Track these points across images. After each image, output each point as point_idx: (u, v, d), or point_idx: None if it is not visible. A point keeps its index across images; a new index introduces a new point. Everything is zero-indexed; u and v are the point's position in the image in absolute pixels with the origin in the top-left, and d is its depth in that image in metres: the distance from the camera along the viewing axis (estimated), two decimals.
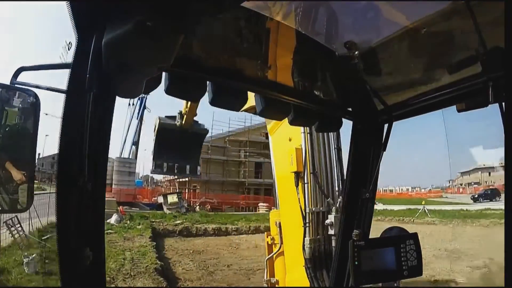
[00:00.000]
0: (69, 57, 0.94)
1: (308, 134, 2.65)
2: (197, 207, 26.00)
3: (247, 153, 31.83)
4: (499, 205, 23.48)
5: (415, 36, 1.33)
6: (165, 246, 14.45)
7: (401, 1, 1.22)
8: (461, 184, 49.14)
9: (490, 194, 30.65)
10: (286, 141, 2.74)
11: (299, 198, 2.52)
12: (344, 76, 1.65)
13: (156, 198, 27.47)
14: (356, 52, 1.44)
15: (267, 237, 3.16)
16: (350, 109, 1.83)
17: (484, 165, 45.02)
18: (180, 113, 5.62)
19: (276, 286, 3.07)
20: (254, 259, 12.96)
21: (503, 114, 1.12)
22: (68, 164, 0.93)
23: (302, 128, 2.69)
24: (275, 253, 2.96)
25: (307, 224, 2.42)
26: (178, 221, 18.46)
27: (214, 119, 29.27)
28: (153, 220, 18.19)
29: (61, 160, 0.92)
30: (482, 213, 20.85)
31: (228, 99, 1.45)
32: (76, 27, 0.90)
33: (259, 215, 24.01)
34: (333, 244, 2.51)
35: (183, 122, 5.58)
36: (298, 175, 2.56)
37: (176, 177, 31.85)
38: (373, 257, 1.48)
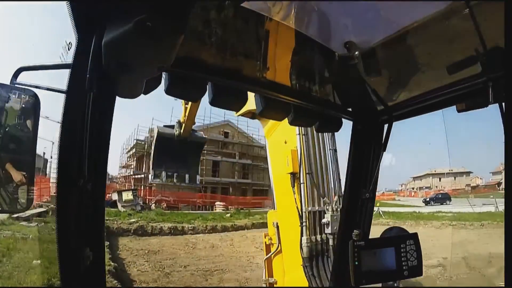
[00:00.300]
0: (69, 57, 0.94)
1: (303, 136, 2.69)
2: (153, 205, 24.69)
3: (205, 151, 31.49)
4: (449, 208, 25.46)
5: (415, 36, 1.33)
6: (119, 245, 13.87)
7: (401, 1, 1.22)
8: (413, 188, 51.43)
9: (440, 198, 32.58)
10: (282, 143, 2.79)
11: (295, 199, 2.54)
12: (344, 76, 1.65)
13: (110, 195, 26.44)
14: (356, 52, 1.43)
15: (265, 237, 3.19)
16: (350, 109, 1.83)
17: (435, 171, 47.17)
18: (179, 122, 5.67)
19: (275, 286, 3.09)
20: (211, 259, 12.72)
21: (503, 114, 1.12)
22: (68, 164, 0.93)
23: (297, 129, 2.70)
24: (273, 253, 2.97)
25: (304, 224, 2.45)
26: (133, 220, 17.58)
27: (172, 115, 28.93)
28: (106, 218, 16.89)
29: (61, 160, 0.92)
30: (433, 215, 21.55)
31: (228, 99, 1.45)
32: (76, 27, 0.90)
33: (216, 214, 23.48)
34: (330, 243, 2.55)
35: (182, 131, 5.61)
36: (294, 176, 2.63)
37: (132, 173, 31.18)
38: (373, 257, 1.48)
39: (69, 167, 0.92)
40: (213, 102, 1.42)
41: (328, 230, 2.50)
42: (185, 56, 1.20)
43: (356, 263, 1.45)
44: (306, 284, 2.53)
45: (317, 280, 2.37)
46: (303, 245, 2.44)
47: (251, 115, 3.15)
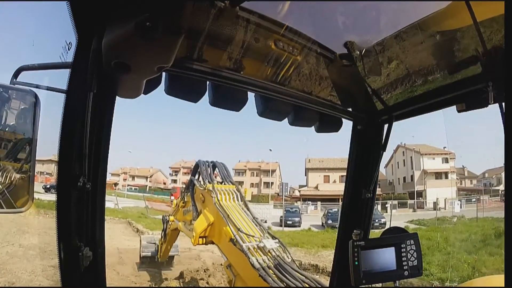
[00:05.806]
0: (69, 57, 0.94)
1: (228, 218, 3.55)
2: None
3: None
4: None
5: (415, 36, 1.33)
6: None
7: (401, 1, 1.22)
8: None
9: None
10: (225, 237, 3.54)
11: (234, 242, 3.31)
12: (344, 76, 1.65)
13: None
14: (356, 52, 1.43)
15: (228, 279, 3.83)
16: (350, 109, 1.83)
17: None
18: (159, 249, 8.23)
19: None
20: None
21: (503, 114, 1.12)
22: (68, 164, 0.93)
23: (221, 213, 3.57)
24: (233, 283, 3.53)
25: (246, 251, 3.04)
26: None
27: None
28: None
29: (61, 160, 0.92)
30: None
31: (228, 100, 1.46)
32: (76, 27, 0.90)
33: None
34: (273, 254, 3.11)
35: (160, 259, 8.44)
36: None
37: None
38: (373, 257, 1.47)
39: (69, 167, 0.92)
40: (213, 102, 1.42)
41: (267, 248, 3.18)
42: (185, 56, 1.20)
43: (356, 263, 1.44)
44: None
45: (272, 279, 2.73)
46: (252, 262, 2.88)
47: (203, 240, 3.94)
